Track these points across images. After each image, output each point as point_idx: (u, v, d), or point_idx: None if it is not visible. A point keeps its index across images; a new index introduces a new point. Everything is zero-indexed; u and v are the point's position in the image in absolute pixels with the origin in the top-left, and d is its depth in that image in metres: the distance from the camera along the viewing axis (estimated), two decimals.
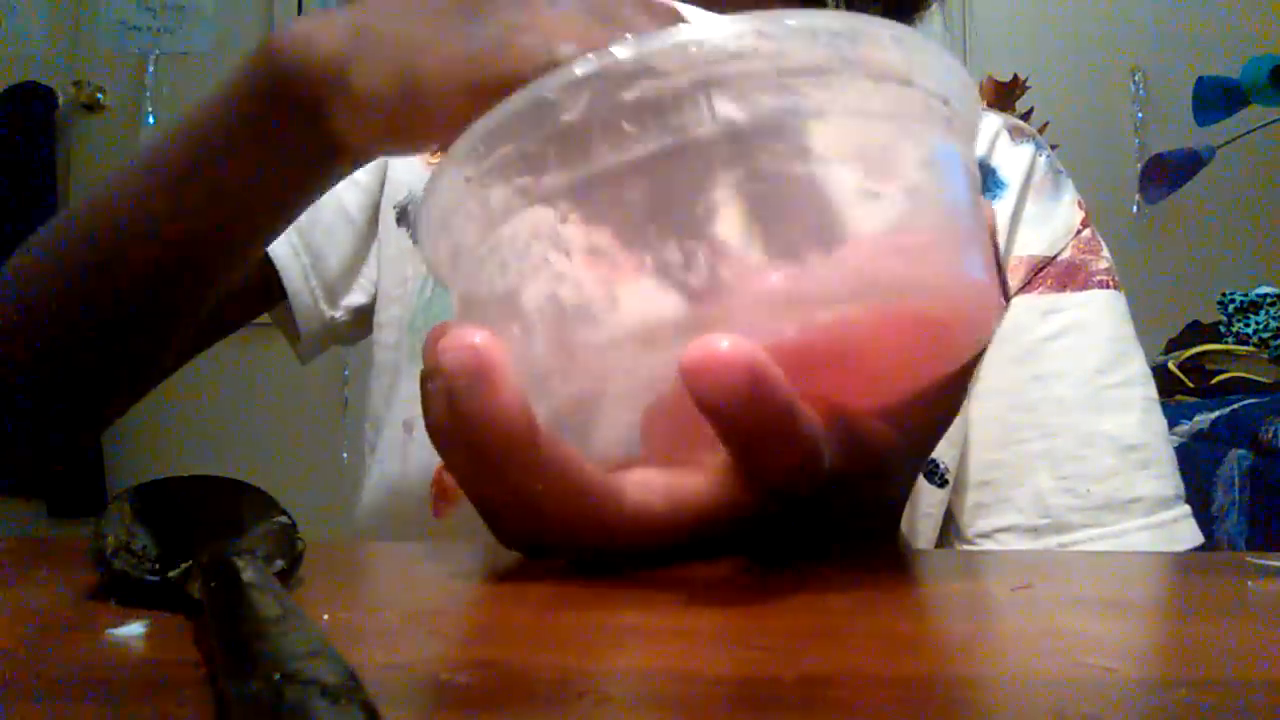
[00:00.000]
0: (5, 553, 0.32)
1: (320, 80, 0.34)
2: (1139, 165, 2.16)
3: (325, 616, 0.23)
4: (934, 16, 0.69)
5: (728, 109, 0.23)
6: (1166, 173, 2.01)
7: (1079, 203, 0.61)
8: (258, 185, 0.38)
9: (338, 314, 0.62)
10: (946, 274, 0.25)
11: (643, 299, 0.23)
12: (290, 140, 0.36)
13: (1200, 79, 1.98)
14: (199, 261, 0.41)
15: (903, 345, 0.28)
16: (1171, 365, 1.67)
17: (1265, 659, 0.19)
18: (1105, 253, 0.60)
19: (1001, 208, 0.59)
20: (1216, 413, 1.38)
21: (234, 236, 0.41)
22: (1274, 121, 1.94)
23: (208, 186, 0.39)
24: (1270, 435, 1.20)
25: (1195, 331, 1.77)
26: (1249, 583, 0.27)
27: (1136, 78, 2.27)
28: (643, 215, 0.23)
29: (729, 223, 0.23)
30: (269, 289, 0.60)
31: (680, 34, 0.23)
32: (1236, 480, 1.25)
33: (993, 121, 0.62)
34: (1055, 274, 0.58)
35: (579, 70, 0.23)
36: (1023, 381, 0.57)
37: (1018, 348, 0.57)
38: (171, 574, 0.24)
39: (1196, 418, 1.41)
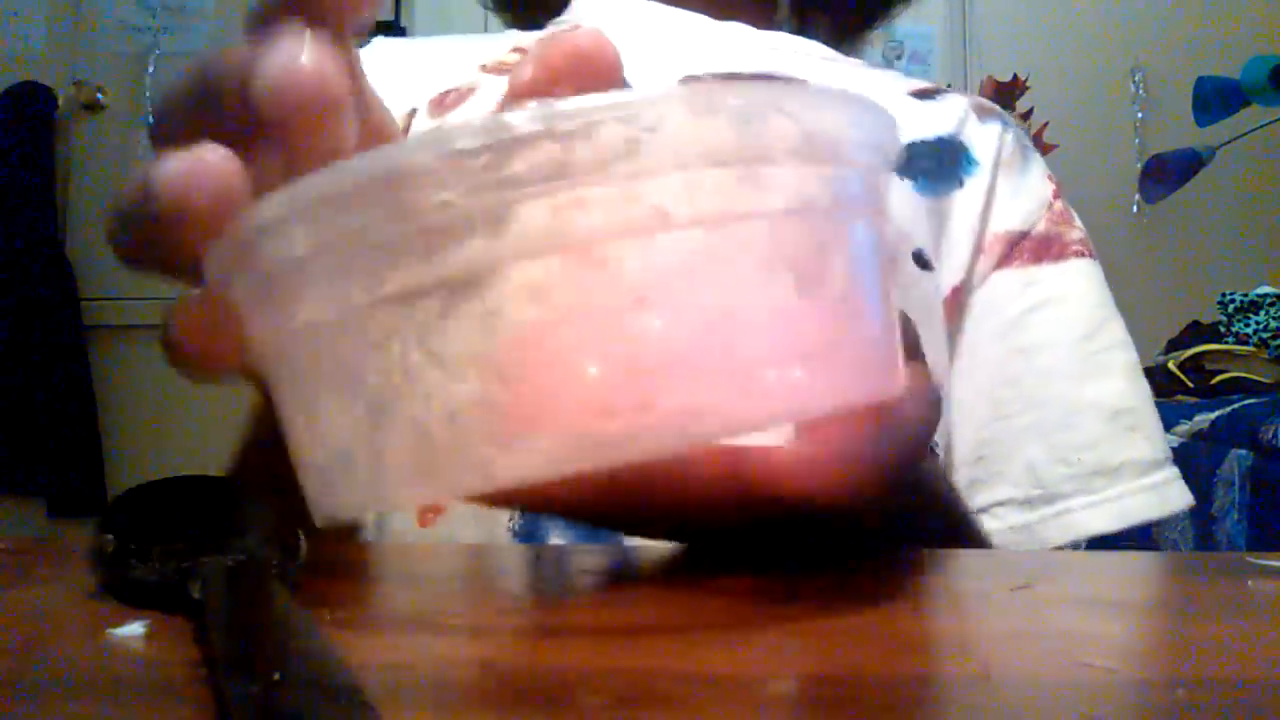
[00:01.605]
0: (5, 553, 0.32)
1: None
2: (1139, 165, 2.16)
3: (325, 616, 0.23)
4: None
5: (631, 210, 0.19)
6: (1166, 173, 2.01)
7: (1049, 175, 0.62)
8: None
9: None
10: (855, 379, 0.22)
11: (534, 447, 0.19)
12: None
13: (1200, 79, 1.98)
14: None
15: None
16: (1171, 365, 1.67)
17: (1265, 659, 0.19)
18: (1078, 223, 0.61)
19: (976, 186, 0.59)
20: (1216, 413, 1.38)
21: None
22: (1274, 121, 1.95)
23: None
24: (1270, 435, 1.20)
25: (1195, 331, 1.77)
26: (1249, 583, 0.27)
27: (1136, 78, 2.27)
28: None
29: (629, 340, 0.20)
30: None
31: (578, 109, 0.19)
32: (1236, 480, 1.25)
33: (959, 101, 0.63)
34: (1031, 247, 0.59)
35: (435, 149, 0.19)
36: (1007, 355, 0.57)
37: (1000, 322, 0.57)
38: (171, 574, 0.24)
39: (1196, 418, 1.41)
